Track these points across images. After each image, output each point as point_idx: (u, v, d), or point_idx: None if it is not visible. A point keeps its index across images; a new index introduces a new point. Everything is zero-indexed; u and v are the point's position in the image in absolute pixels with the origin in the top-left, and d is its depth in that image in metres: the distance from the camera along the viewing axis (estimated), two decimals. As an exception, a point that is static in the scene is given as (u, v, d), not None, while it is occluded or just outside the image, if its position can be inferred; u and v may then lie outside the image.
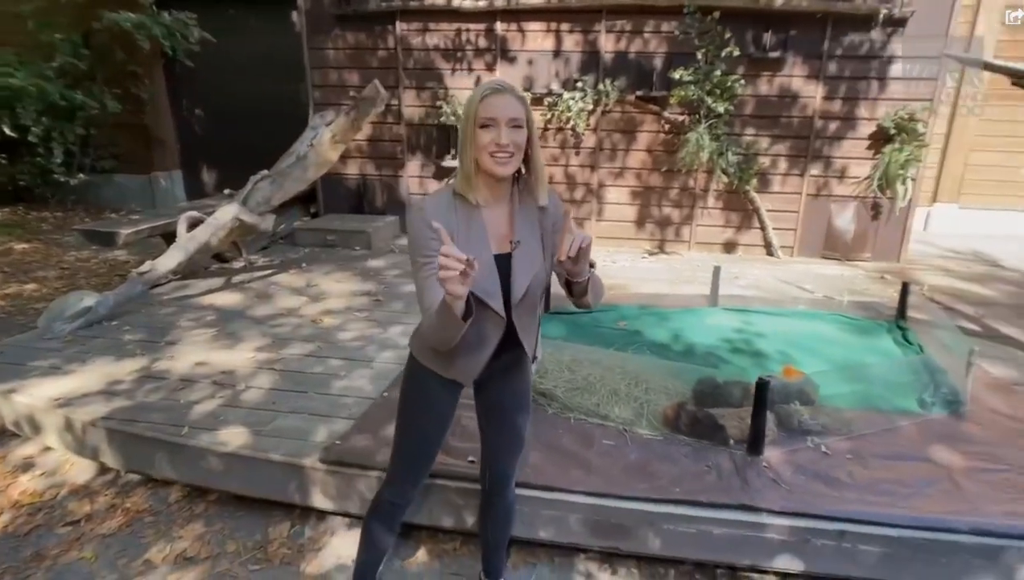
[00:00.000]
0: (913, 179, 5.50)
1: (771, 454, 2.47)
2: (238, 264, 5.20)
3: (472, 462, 2.36)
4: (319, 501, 2.42)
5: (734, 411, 2.64)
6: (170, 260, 4.06)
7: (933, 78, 5.42)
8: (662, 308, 4.24)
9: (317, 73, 6.23)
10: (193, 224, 4.27)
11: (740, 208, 5.95)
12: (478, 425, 1.91)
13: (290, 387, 3.03)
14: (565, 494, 2.24)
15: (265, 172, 4.43)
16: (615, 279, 5.01)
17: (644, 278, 5.09)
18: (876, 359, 3.46)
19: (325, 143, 4.33)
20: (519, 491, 2.10)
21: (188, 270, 4.60)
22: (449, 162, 6.18)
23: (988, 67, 3.19)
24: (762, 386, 2.36)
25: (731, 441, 2.52)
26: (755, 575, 2.23)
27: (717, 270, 4.39)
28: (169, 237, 4.54)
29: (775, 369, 3.25)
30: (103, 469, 2.73)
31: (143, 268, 3.98)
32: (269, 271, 5.09)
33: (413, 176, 6.41)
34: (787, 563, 2.15)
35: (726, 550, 2.17)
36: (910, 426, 2.73)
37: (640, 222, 6.17)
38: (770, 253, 5.97)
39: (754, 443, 2.46)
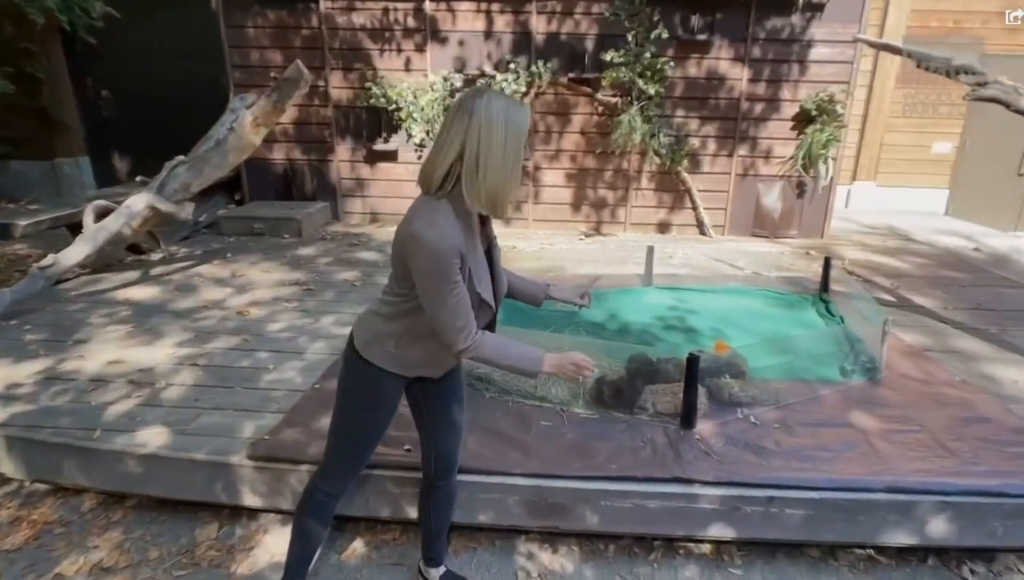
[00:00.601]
0: (834, 158, 5.74)
1: (703, 427, 2.53)
2: (156, 255, 4.92)
3: (408, 451, 2.30)
4: (249, 499, 2.32)
5: (667, 386, 2.68)
6: (76, 253, 3.79)
7: (849, 61, 5.65)
8: (598, 288, 4.27)
9: (236, 53, 5.92)
10: (101, 214, 3.99)
11: (673, 189, 6.07)
12: (414, 414, 1.87)
13: (215, 383, 2.88)
14: (504, 477, 2.22)
15: (181, 157, 4.18)
16: (552, 262, 5.02)
17: (581, 260, 5.12)
18: (801, 331, 3.60)
19: (246, 126, 4.12)
20: (458, 477, 2.07)
21: (99, 263, 4.32)
22: (381, 146, 6.02)
23: (894, 50, 3.33)
24: (693, 361, 2.41)
25: (654, 407, 2.57)
26: (690, 544, 2.28)
27: (651, 250, 4.46)
28: (75, 228, 4.23)
29: (707, 344, 3.33)
30: (3, 480, 2.52)
31: (45, 262, 3.69)
32: (191, 262, 4.84)
33: (344, 160, 6.21)
34: (720, 531, 2.20)
35: (662, 522, 2.21)
36: (832, 394, 2.85)
37: (576, 205, 6.20)
38: (702, 232, 6.12)
39: (686, 417, 2.51)
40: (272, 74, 5.78)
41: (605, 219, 6.21)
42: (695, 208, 6.06)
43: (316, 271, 4.67)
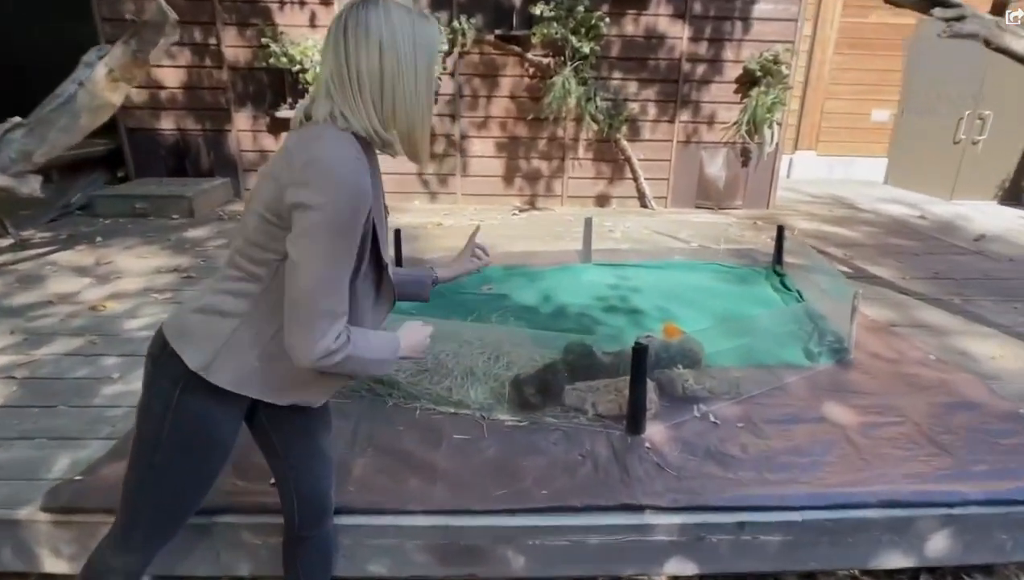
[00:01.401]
0: (779, 123, 5.40)
1: (654, 431, 2.06)
2: (3, 242, 4.09)
3: (274, 485, 1.73)
4: (50, 564, 1.70)
5: (610, 382, 2.20)
6: None
7: (793, 19, 5.30)
8: (532, 267, 3.76)
9: (105, 4, 5.05)
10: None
11: (612, 158, 5.61)
12: (260, 445, 1.33)
13: (31, 401, 2.21)
14: (401, 516, 1.68)
15: (18, 119, 3.40)
16: (483, 239, 4.47)
17: (514, 236, 4.60)
18: (757, 308, 3.20)
19: (100, 81, 3.37)
20: (337, 519, 1.53)
21: (-83, 252, 3.49)
22: (285, 112, 5.30)
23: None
24: (640, 351, 1.93)
25: (594, 408, 2.10)
26: (642, 584, 1.81)
27: (589, 222, 3.98)
28: None
29: (654, 327, 2.87)
30: None
31: None
32: (49, 249, 4.04)
33: (244, 130, 5.45)
34: (679, 566, 1.74)
35: (606, 560, 1.73)
36: (799, 381, 2.44)
37: (508, 177, 5.66)
38: (644, 204, 5.70)
39: (634, 420, 2.03)
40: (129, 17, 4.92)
41: (540, 192, 5.70)
42: (636, 179, 5.63)
43: (204, 256, 3.97)
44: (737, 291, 3.47)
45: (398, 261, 3.53)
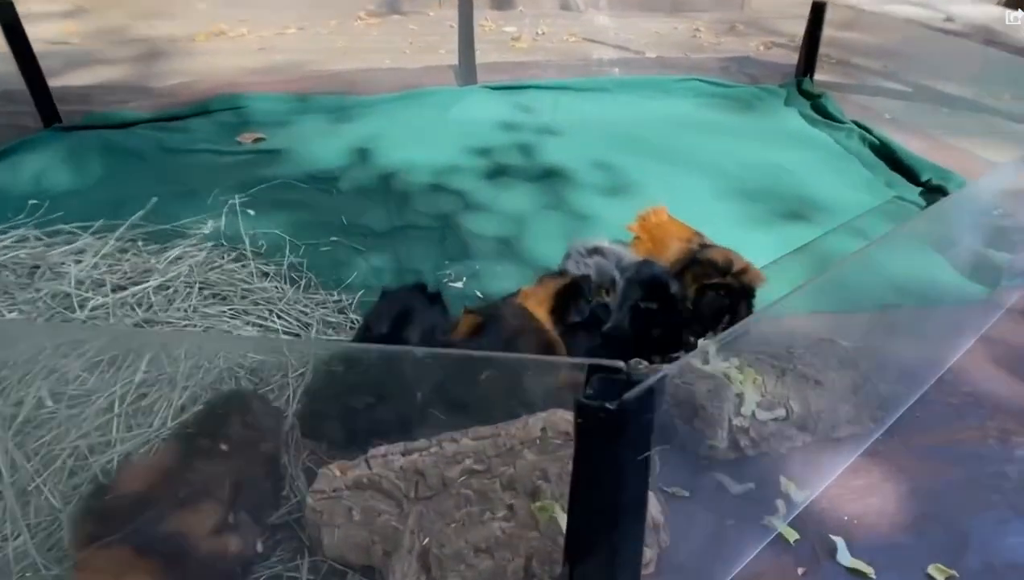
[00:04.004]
0: None
1: None
2: None
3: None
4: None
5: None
6: None
7: None
8: (357, 95, 1.95)
9: None
10: None
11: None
12: None
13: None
14: None
15: None
16: (299, 55, 2.61)
17: (353, 51, 2.69)
18: (795, 155, 1.60)
19: None
20: None
21: None
22: None
23: None
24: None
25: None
26: None
27: (467, 16, 2.14)
28: None
29: (609, 220, 1.24)
30: None
31: None
32: None
33: None
34: None
35: None
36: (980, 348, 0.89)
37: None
38: (566, 5, 3.77)
39: None
40: None
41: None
42: (554, -36, 3.65)
43: None
44: (745, 125, 1.85)
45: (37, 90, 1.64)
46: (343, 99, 1.98)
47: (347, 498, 0.64)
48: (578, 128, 1.84)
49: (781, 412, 0.77)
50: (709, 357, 0.78)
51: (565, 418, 0.73)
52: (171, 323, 0.84)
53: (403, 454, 0.67)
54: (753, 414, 0.76)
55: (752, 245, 1.22)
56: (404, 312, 0.83)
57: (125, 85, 2.20)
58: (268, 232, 1.29)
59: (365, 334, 0.86)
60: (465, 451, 0.66)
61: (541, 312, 0.87)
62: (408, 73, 2.37)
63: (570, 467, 0.63)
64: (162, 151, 1.65)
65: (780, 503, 0.69)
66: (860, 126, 1.85)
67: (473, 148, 1.68)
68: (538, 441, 0.65)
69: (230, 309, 0.91)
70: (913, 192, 1.54)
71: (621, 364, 0.37)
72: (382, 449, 0.69)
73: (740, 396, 0.77)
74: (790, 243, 1.31)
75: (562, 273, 0.97)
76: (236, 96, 1.95)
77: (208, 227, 1.29)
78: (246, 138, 1.72)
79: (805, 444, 0.76)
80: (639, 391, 0.35)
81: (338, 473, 0.67)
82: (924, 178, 1.55)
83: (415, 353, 0.82)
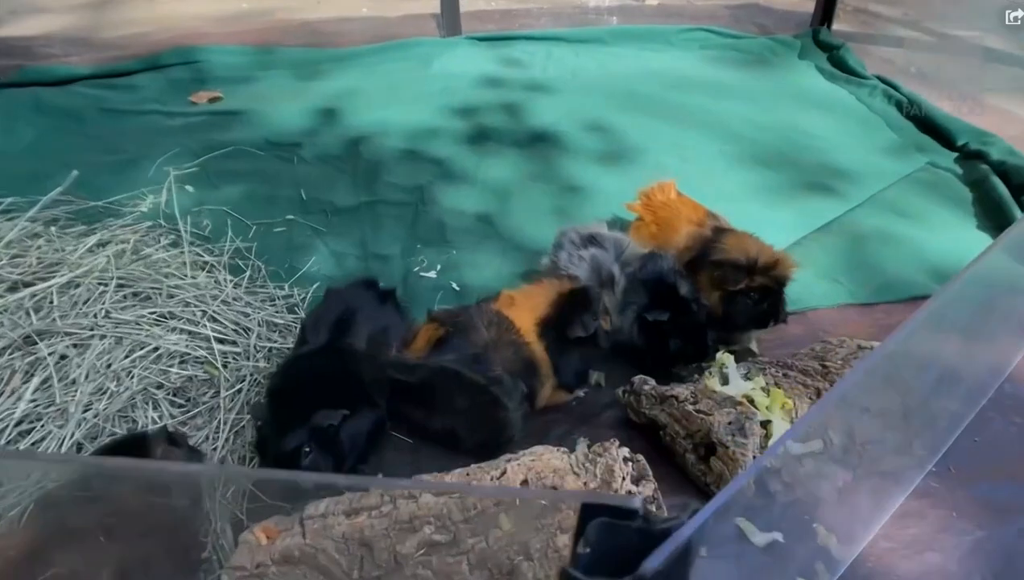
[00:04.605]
0: None
1: None
2: None
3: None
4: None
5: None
6: None
7: None
8: (328, 47, 1.75)
9: None
10: None
11: None
12: None
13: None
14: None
15: None
16: (251, 2, 2.35)
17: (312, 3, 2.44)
18: (813, 115, 1.43)
19: None
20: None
21: None
22: None
23: None
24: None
25: None
26: None
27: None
28: None
29: (610, 207, 1.07)
30: None
31: None
32: None
33: None
34: None
35: None
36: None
37: None
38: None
39: None
40: None
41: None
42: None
43: None
44: (756, 81, 1.67)
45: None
46: (312, 52, 1.77)
47: (273, 577, 0.50)
48: (571, 85, 1.64)
49: (818, 444, 0.63)
50: (729, 377, 0.64)
51: (553, 464, 0.59)
52: (71, 334, 0.68)
53: (347, 515, 0.53)
54: (784, 450, 0.62)
55: (771, 224, 1.07)
56: (346, 316, 0.67)
57: (68, 36, 1.97)
58: (216, 209, 1.12)
59: (301, 345, 0.71)
60: (424, 514, 0.52)
61: (526, 319, 0.71)
62: (386, 22, 2.15)
63: (559, 541, 0.50)
64: (102, 112, 1.45)
65: (820, 566, 0.56)
66: (884, 81, 1.66)
67: (454, 108, 1.49)
68: (517, 501, 0.51)
69: (151, 312, 0.76)
70: (948, 158, 1.37)
71: (636, 503, 0.22)
72: (322, 505, 0.54)
73: (767, 426, 0.63)
74: (813, 219, 1.15)
75: (569, 276, 0.80)
76: (192, 49, 1.74)
77: (147, 204, 1.12)
78: (200, 97, 1.53)
79: (846, 484, 0.63)
80: (666, 557, 0.20)
81: (264, 540, 0.53)
82: (960, 142, 1.38)
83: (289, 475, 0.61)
